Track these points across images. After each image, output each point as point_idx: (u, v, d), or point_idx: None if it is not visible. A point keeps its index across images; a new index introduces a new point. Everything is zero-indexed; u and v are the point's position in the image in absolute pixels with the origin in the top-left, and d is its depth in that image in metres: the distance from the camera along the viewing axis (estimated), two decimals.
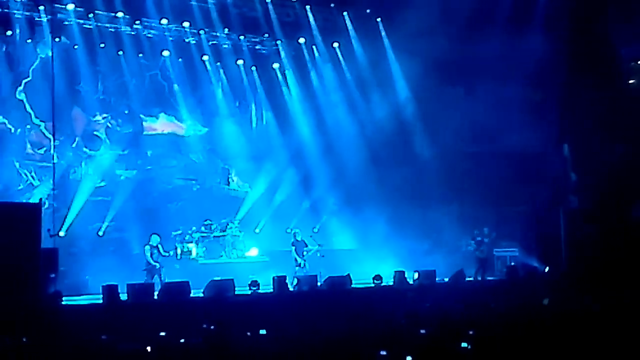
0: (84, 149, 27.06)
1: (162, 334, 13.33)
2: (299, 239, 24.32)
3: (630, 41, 27.25)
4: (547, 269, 25.15)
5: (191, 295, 19.82)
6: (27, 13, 24.98)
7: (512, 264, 25.98)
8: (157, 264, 21.79)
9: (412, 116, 28.53)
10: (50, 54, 25.73)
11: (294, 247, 24.12)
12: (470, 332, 11.66)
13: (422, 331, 12.26)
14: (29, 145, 26.15)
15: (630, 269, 23.44)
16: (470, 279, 24.16)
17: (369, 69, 28.89)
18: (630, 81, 28.32)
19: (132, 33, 26.89)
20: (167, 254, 22.42)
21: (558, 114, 27.56)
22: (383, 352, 10.72)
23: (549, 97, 27.77)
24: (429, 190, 27.61)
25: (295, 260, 23.97)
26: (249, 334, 12.90)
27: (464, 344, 11.00)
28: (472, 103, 27.35)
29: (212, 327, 13.26)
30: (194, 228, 26.69)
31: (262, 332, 13.19)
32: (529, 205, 27.49)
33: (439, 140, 27.96)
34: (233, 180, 30.04)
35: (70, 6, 25.33)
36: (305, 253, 24.14)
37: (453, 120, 27.56)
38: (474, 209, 26.83)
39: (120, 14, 26.05)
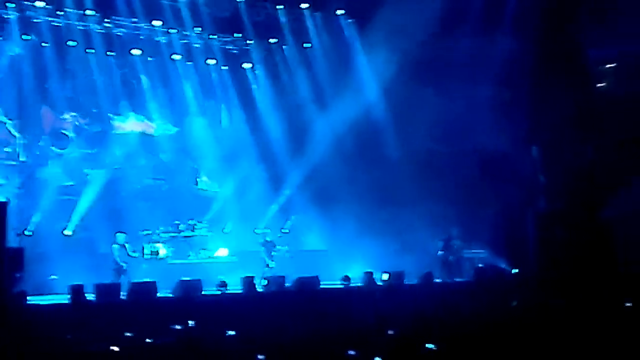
0: (52, 148, 26.88)
1: (129, 334, 13.28)
2: (268, 239, 24.37)
3: (601, 43, 27.50)
4: (515, 271, 25.33)
5: (159, 295, 19.76)
6: None
7: (481, 265, 26.12)
8: (124, 264, 21.70)
9: (383, 116, 28.59)
10: (18, 52, 25.53)
11: (263, 248, 24.13)
12: (437, 333, 11.74)
13: (390, 332, 12.32)
14: None
15: (599, 271, 23.69)
16: (439, 280, 24.28)
17: (339, 70, 28.96)
18: (599, 84, 28.58)
19: (102, 31, 26.78)
20: (134, 254, 22.32)
21: (527, 115, 27.73)
22: (352, 352, 10.77)
23: (519, 97, 27.92)
24: (399, 190, 27.67)
25: (265, 261, 23.98)
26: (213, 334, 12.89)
27: (429, 345, 11.06)
28: (443, 103, 27.43)
29: (178, 327, 13.23)
30: (162, 228, 26.60)
31: (231, 332, 13.18)
32: (498, 206, 27.64)
33: (409, 140, 28.04)
34: (202, 180, 29.98)
35: (40, 3, 25.18)
36: (273, 254, 24.17)
37: (423, 120, 27.62)
38: (444, 209, 26.92)
39: (90, 12, 25.92)
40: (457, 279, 25.21)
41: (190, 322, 14.37)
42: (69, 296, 18.72)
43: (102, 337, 13.17)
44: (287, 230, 28.18)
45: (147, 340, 12.48)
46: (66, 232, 25.98)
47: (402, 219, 27.37)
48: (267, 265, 23.89)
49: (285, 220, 28.64)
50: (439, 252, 25.41)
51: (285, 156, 29.23)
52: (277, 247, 24.38)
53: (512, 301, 17.52)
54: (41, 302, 19.25)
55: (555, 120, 27.44)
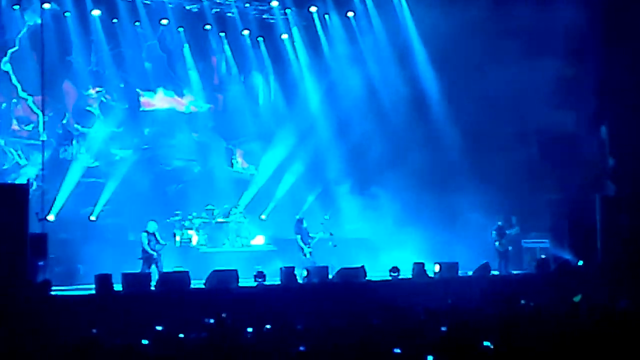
0: (76, 126, 27.15)
1: (159, 328, 13.40)
2: (304, 225, 24.29)
3: None
4: (580, 262, 25.11)
5: (191, 286, 19.90)
6: None
7: (543, 256, 25.95)
8: (154, 253, 21.87)
9: (433, 91, 28.43)
10: (39, 22, 25.78)
11: (299, 236, 24.10)
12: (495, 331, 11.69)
13: (443, 328, 12.30)
14: (15, 121, 26.25)
15: None
16: (497, 272, 24.17)
17: (386, 41, 28.82)
18: None
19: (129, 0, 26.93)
20: (165, 242, 22.48)
21: (594, 91, 27.39)
22: (397, 350, 10.76)
23: (585, 72, 27.59)
24: (452, 174, 27.56)
25: (302, 249, 23.97)
26: (249, 330, 12.94)
27: (486, 343, 11.02)
28: (500, 76, 27.19)
29: (212, 320, 13.32)
30: (194, 214, 26.77)
31: (267, 327, 13.23)
32: (561, 192, 27.40)
33: (462, 118, 27.86)
34: (237, 162, 30.10)
35: None
36: (311, 242, 24.12)
37: (478, 95, 27.44)
38: (501, 194, 26.76)
39: None
40: (517, 271, 25.05)
41: (225, 316, 14.41)
42: (95, 286, 18.90)
43: (131, 331, 13.30)
44: (328, 217, 28.24)
45: (179, 334, 12.57)
46: (92, 218, 26.25)
47: (455, 205, 27.24)
48: (305, 255, 23.83)
49: (329, 206, 28.70)
50: (496, 242, 25.23)
51: (327, 135, 29.21)
52: (311, 234, 24.29)
53: (576, 296, 17.37)
54: (66, 293, 19.50)
55: (626, 98, 27.08)
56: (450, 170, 27.60)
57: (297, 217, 24.88)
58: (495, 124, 27.68)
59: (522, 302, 16.42)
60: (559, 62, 27.14)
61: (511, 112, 27.53)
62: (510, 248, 25.47)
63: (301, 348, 10.96)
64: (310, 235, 24.24)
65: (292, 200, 28.74)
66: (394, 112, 28.22)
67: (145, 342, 12.13)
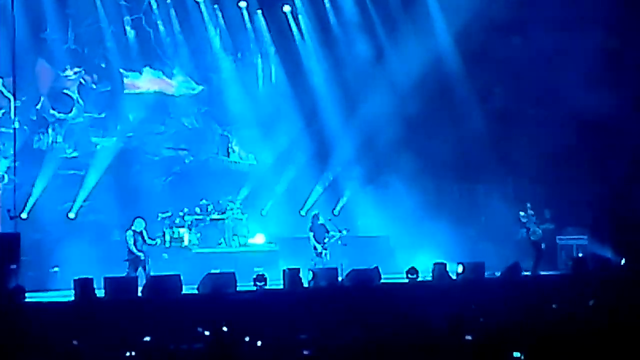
0: (52, 112, 27.15)
1: (147, 339, 13.42)
2: (319, 222, 24.24)
3: None
4: (622, 261, 25.09)
5: (183, 291, 19.92)
6: None
7: (580, 254, 25.92)
8: (141, 254, 21.89)
9: (456, 70, 28.38)
10: None
11: (312, 233, 24.06)
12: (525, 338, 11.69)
13: (468, 337, 12.28)
14: None
15: None
16: (528, 273, 24.15)
17: (401, 11, 28.75)
18: None
19: None
20: (153, 242, 22.50)
21: None
22: None
23: (630, 47, 27.52)
24: (477, 162, 27.56)
25: (315, 248, 23.93)
26: (247, 339, 12.95)
27: (516, 354, 11.01)
28: (532, 54, 27.18)
29: (206, 331, 13.33)
30: (186, 209, 26.77)
31: (268, 337, 13.23)
32: (601, 182, 27.38)
33: (490, 101, 27.83)
34: (234, 151, 30.07)
35: None
36: (326, 240, 24.09)
37: (508, 75, 27.40)
38: (533, 186, 26.75)
39: None
40: (551, 272, 25.01)
41: (221, 325, 14.44)
42: (74, 292, 18.92)
43: (115, 342, 13.31)
44: (337, 213, 28.22)
45: (169, 346, 12.59)
46: (70, 215, 26.28)
47: (480, 196, 27.28)
48: (319, 255, 23.78)
49: (337, 201, 28.69)
50: (528, 238, 25.16)
51: (336, 121, 29.20)
52: (330, 232, 24.23)
53: (616, 299, 17.36)
54: (41, 300, 19.52)
55: None
56: (475, 157, 27.61)
57: (314, 212, 24.86)
58: (526, 105, 27.68)
59: (554, 306, 16.43)
60: (601, 37, 27.04)
61: (545, 92, 27.52)
62: (543, 245, 25.36)
63: (305, 352, 10.99)
64: (327, 233, 24.13)
65: (296, 194, 28.76)
66: (410, 92, 28.13)
67: (130, 354, 12.15)
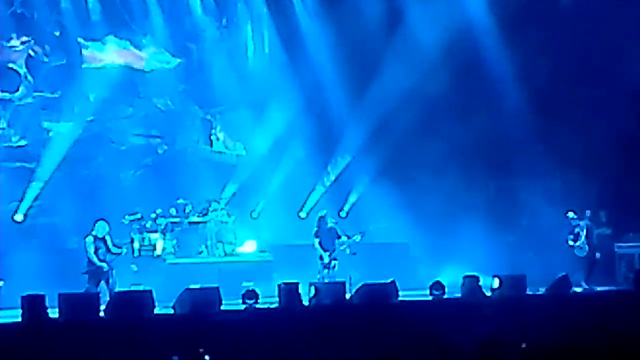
0: None
1: None
2: (328, 225, 24.15)
3: None
4: None
5: (155, 311, 19.88)
6: None
7: None
8: (104, 265, 21.86)
9: (489, 41, 28.37)
10: None
11: (318, 239, 24.00)
12: None
13: None
14: None
15: None
16: (580, 289, 24.13)
17: None
18: None
19: None
20: (119, 250, 22.46)
21: None
22: None
23: None
24: (516, 154, 27.51)
25: (321, 258, 23.87)
26: None
27: None
28: (585, 21, 27.17)
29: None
30: (159, 211, 26.77)
31: None
32: None
33: (532, 79, 27.81)
34: (218, 139, 30.10)
35: None
36: (336, 248, 24.00)
37: (554, 46, 27.38)
38: (585, 183, 26.74)
39: None
40: (607, 287, 24.98)
41: (202, 351, 14.43)
42: (21, 312, 18.86)
43: None
44: (345, 215, 28.19)
45: None
46: (17, 217, 26.25)
47: (521, 196, 27.24)
48: (327, 266, 23.74)
49: (344, 200, 28.67)
50: (577, 246, 25.18)
51: (343, 101, 29.16)
52: (342, 237, 24.13)
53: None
54: None
55: None
56: (514, 146, 27.56)
57: (320, 213, 24.72)
58: (576, 84, 27.64)
59: (611, 329, 16.43)
60: None
61: (599, 68, 27.47)
62: (598, 255, 25.39)
63: None
64: (338, 238, 24.00)
65: (295, 192, 28.76)
66: (432, 67, 28.09)
67: None
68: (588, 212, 25.24)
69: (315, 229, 24.04)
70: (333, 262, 23.70)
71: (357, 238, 23.97)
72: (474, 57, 28.29)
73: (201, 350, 14.18)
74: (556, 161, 26.79)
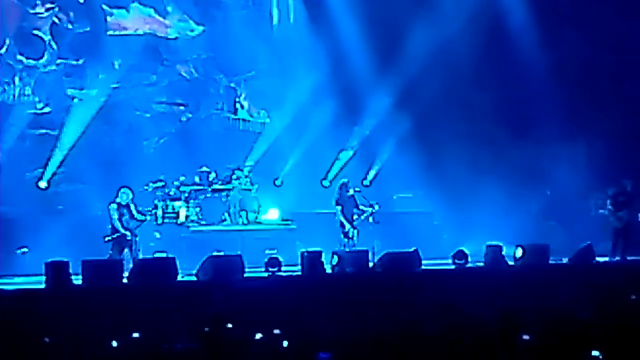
0: (19, 57, 27.20)
1: (136, 335, 13.48)
2: (349, 194, 24.08)
3: None
4: None
5: (178, 278, 19.98)
6: None
7: None
8: (127, 232, 21.95)
9: (516, 7, 28.27)
10: None
11: (340, 207, 23.92)
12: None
13: (525, 337, 12.28)
14: None
15: None
16: (605, 259, 24.07)
17: None
18: None
19: None
20: (142, 217, 22.55)
21: None
22: None
23: None
24: (541, 122, 27.43)
25: (342, 226, 23.82)
26: (258, 338, 12.99)
27: (595, 353, 11.00)
28: None
29: (206, 328, 13.37)
30: (182, 178, 26.80)
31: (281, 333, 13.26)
32: None
33: (556, 46, 27.69)
34: (243, 107, 30.10)
35: None
36: (356, 217, 23.97)
37: (578, 17, 27.27)
38: (610, 150, 26.63)
39: None
40: (633, 257, 24.91)
41: (225, 319, 14.47)
42: (45, 278, 19.00)
43: (96, 339, 13.37)
44: (369, 183, 28.18)
45: (162, 344, 12.63)
46: (41, 184, 26.34)
47: (543, 163, 27.17)
48: (347, 235, 23.73)
49: (368, 168, 28.66)
50: (607, 216, 25.03)
51: (368, 70, 29.10)
52: (361, 207, 24.06)
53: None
54: (6, 288, 19.60)
55: None
56: (537, 114, 27.46)
57: (342, 180, 24.66)
58: (600, 52, 27.49)
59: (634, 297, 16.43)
60: None
61: (623, 36, 27.33)
62: (620, 224, 25.21)
63: (322, 355, 11.02)
64: (358, 207, 23.97)
65: (318, 159, 28.75)
66: (456, 34, 27.98)
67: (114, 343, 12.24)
68: (627, 184, 25.06)
69: (337, 196, 23.89)
70: (353, 232, 23.63)
71: (376, 208, 23.92)
72: (499, 24, 28.19)
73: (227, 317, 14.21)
74: (580, 130, 26.67)
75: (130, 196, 22.30)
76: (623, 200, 24.89)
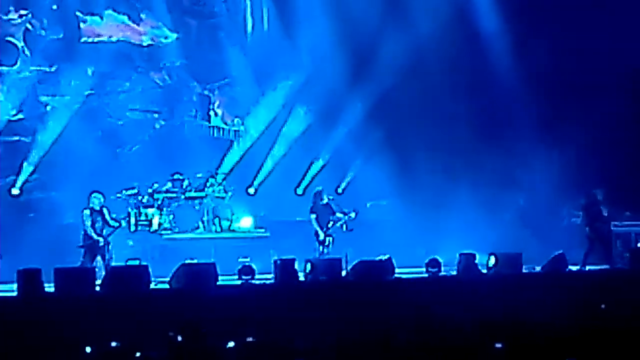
0: None
1: (114, 344, 13.46)
2: (323, 202, 24.12)
3: None
4: None
5: (151, 286, 19.96)
6: None
7: None
8: (100, 239, 21.90)
9: (490, 17, 28.38)
10: None
11: (314, 215, 23.96)
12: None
13: (498, 345, 12.32)
14: None
15: None
16: (577, 267, 24.15)
17: None
18: None
19: None
20: (116, 224, 22.50)
21: None
22: None
23: None
24: (513, 126, 27.50)
25: (317, 234, 23.86)
26: (231, 346, 12.99)
27: None
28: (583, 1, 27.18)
29: (179, 336, 13.36)
30: (156, 185, 26.78)
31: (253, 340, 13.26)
32: None
33: (531, 57, 27.78)
34: (216, 114, 30.08)
35: None
36: (331, 224, 24.00)
37: (553, 27, 27.36)
38: (583, 159, 26.71)
39: None
40: (603, 266, 25.00)
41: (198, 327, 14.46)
42: (17, 286, 18.94)
43: (66, 347, 13.35)
44: (342, 191, 28.21)
45: (135, 353, 12.62)
46: (14, 192, 26.26)
47: (517, 172, 27.23)
48: (322, 243, 23.75)
49: (342, 176, 28.67)
50: (580, 225, 25.08)
51: (342, 76, 29.10)
52: (337, 214, 24.09)
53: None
54: None
55: None
56: (510, 124, 27.52)
57: (317, 188, 24.72)
58: (575, 63, 27.59)
59: (603, 307, 16.48)
60: None
61: (598, 47, 27.42)
62: (590, 232, 25.26)
63: None
64: (332, 215, 23.98)
65: (292, 167, 28.75)
66: (431, 43, 28.03)
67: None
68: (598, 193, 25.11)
69: (311, 204, 24.04)
70: (327, 239, 23.68)
71: (352, 215, 23.97)
72: (471, 34, 28.26)
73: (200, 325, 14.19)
74: (553, 139, 26.73)
75: (102, 200, 22.24)
76: (596, 210, 25.00)
